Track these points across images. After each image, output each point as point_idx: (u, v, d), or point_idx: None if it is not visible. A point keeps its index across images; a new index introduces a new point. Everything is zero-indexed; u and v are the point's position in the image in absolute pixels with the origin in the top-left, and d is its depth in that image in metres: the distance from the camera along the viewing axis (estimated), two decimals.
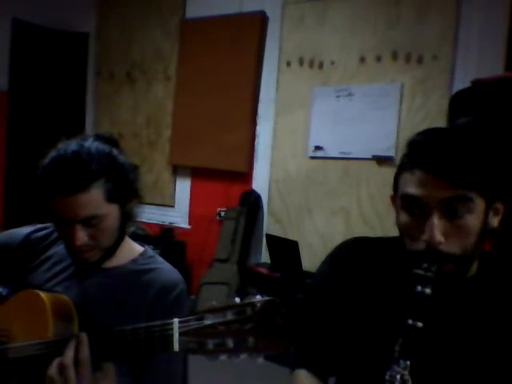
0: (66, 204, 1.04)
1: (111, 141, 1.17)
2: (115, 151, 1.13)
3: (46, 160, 1.09)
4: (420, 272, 0.87)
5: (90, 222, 1.07)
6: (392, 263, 1.01)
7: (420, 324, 0.85)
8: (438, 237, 0.86)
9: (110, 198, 1.08)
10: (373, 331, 0.97)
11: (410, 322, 0.85)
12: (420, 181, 0.87)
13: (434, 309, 0.89)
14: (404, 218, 0.92)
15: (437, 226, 0.86)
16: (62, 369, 0.91)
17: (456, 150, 0.86)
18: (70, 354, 0.91)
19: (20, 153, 4.34)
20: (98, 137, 1.15)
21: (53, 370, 0.92)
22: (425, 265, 0.87)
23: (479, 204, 0.88)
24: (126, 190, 1.13)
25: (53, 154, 1.09)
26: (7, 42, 4.26)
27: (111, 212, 1.10)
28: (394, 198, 0.98)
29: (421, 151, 0.88)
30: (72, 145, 1.09)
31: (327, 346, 1.04)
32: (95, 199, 1.05)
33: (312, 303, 1.09)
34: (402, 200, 0.92)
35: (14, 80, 4.34)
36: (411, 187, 0.89)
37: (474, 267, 0.97)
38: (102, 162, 1.07)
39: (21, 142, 4.37)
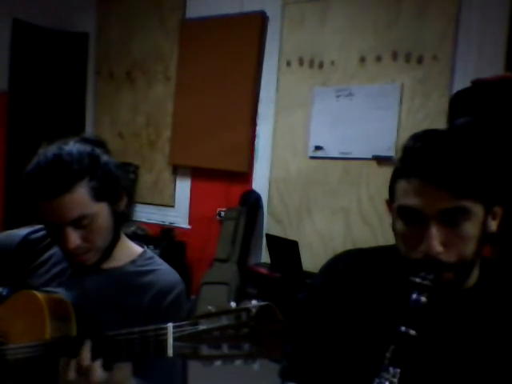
0: (52, 208, 1.03)
1: (98, 142, 1.15)
2: (97, 150, 1.11)
3: (29, 167, 1.07)
4: (417, 280, 0.85)
5: (80, 223, 1.06)
6: (387, 273, 0.99)
7: (413, 332, 0.82)
8: (437, 247, 0.84)
9: (97, 196, 1.07)
10: (365, 340, 0.96)
11: (403, 329, 0.83)
12: (417, 190, 0.85)
13: (429, 318, 0.87)
14: (401, 226, 0.90)
15: (435, 237, 0.84)
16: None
17: (455, 158, 0.83)
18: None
19: (20, 153, 4.33)
20: (83, 139, 1.14)
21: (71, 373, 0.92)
22: (422, 273, 0.85)
23: (478, 211, 0.86)
24: (113, 187, 1.12)
25: (34, 160, 1.07)
26: (7, 42, 4.26)
27: (101, 211, 1.08)
28: (389, 204, 0.95)
29: (418, 159, 0.85)
30: (52, 149, 1.08)
31: (319, 361, 1.02)
32: (81, 199, 1.04)
33: (305, 316, 1.06)
34: (398, 210, 0.89)
35: (14, 80, 4.34)
36: (409, 198, 0.86)
37: (475, 275, 0.94)
38: (83, 161, 1.06)
39: (21, 142, 4.37)
